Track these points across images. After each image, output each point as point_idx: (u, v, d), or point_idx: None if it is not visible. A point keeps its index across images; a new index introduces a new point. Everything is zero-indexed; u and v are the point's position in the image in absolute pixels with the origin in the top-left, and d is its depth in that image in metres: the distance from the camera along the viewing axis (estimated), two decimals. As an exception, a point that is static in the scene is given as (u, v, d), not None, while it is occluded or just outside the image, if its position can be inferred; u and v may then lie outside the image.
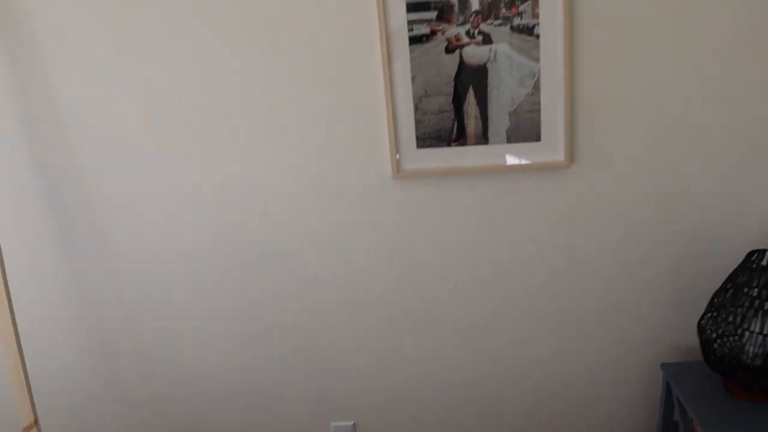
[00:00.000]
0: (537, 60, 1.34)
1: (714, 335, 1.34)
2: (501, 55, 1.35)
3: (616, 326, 1.55)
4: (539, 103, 1.37)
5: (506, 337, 1.58)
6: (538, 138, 1.39)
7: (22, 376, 1.43)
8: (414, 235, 1.50)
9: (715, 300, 1.35)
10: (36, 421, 1.46)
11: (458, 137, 1.41)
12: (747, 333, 1.33)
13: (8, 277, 1.63)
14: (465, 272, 1.52)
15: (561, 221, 1.46)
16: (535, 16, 1.31)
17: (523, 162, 1.41)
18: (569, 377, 1.61)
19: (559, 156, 1.40)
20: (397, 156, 1.43)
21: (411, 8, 1.32)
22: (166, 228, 1.54)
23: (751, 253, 1.32)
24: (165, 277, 1.60)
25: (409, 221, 1.48)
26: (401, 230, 1.49)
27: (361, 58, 1.37)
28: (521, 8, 1.31)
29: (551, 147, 1.40)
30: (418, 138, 1.41)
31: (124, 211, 1.54)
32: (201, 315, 1.63)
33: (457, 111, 1.39)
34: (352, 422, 1.70)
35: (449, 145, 1.41)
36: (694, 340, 1.56)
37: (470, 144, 1.41)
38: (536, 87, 1.36)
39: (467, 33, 1.34)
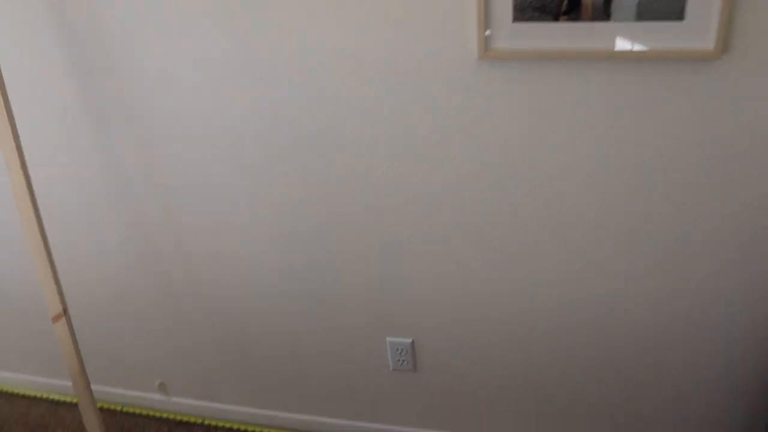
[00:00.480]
0: None
1: None
2: None
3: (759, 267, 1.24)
4: (689, -34, 1.00)
5: (600, 266, 1.30)
6: (679, 15, 1.03)
7: (47, 263, 1.30)
8: (499, 133, 1.20)
9: None
10: (65, 311, 1.35)
11: (570, 9, 1.06)
12: None
13: (30, 154, 1.46)
14: (559, 185, 1.22)
15: (700, 131, 1.11)
16: None
17: (657, 48, 1.06)
18: (677, 321, 1.33)
19: (708, 42, 1.04)
20: (487, 31, 1.11)
21: None
22: (204, 102, 1.31)
23: None
24: (202, 160, 1.39)
25: (495, 115, 1.18)
26: (484, 125, 1.20)
27: None
28: None
29: (698, 29, 1.03)
30: (515, 8, 1.08)
31: (156, 81, 1.31)
32: (244, 207, 1.43)
33: (572, -28, 1.04)
34: (410, 340, 1.51)
35: (557, 19, 1.08)
36: None
37: (585, 20, 1.07)
38: (690, -59, 0.98)
39: None
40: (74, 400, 2.05)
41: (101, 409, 2.01)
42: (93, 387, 2.00)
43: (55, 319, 1.34)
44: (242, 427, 1.86)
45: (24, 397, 2.12)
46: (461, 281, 1.40)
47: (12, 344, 2.01)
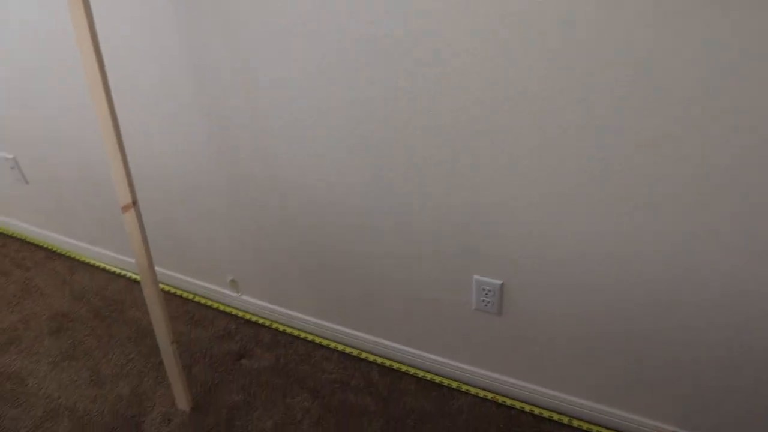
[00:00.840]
0: None
1: None
2: None
3: None
4: None
5: (732, 238, 1.06)
6: None
7: (118, 153, 1.20)
8: (646, 50, 0.95)
9: None
10: (134, 202, 1.26)
11: None
12: None
13: (106, 36, 1.33)
14: (707, 131, 0.97)
15: None
16: None
17: None
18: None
19: None
20: None
21: None
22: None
23: None
24: (293, 54, 1.22)
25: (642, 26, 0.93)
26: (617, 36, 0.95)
27: None
28: None
29: None
30: None
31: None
32: (334, 110, 1.26)
33: None
34: (500, 282, 1.35)
35: None
36: None
37: None
38: None
39: None
40: (149, 282, 2.05)
41: (173, 294, 2.00)
42: (167, 272, 1.99)
43: (125, 209, 1.26)
44: (309, 337, 1.80)
45: (105, 271, 2.14)
46: (568, 225, 1.19)
47: (99, 220, 2.01)
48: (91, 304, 2.02)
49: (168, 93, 1.44)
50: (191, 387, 1.69)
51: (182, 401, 1.61)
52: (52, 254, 2.25)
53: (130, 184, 1.23)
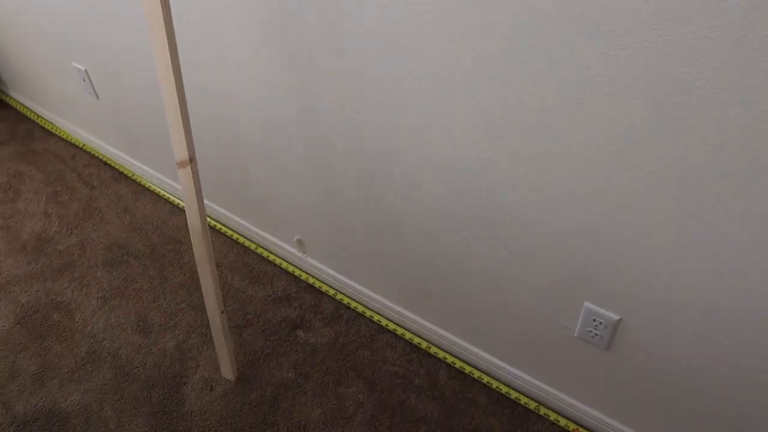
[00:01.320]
0: None
1: None
2: None
3: None
4: None
5: None
6: None
7: (177, 107, 0.99)
8: None
9: None
10: (191, 159, 1.06)
11: None
12: None
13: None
14: None
15: None
16: None
17: None
18: None
19: None
20: None
21: None
22: None
23: None
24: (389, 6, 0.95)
25: None
26: None
27: None
28: None
29: None
30: None
31: None
32: (441, 79, 1.00)
33: None
34: (617, 317, 1.08)
35: None
36: None
37: None
38: None
39: None
40: (215, 225, 1.90)
41: (234, 241, 1.84)
42: (231, 216, 1.83)
43: (180, 165, 1.07)
44: (375, 317, 1.60)
45: (168, 202, 2.01)
46: (717, 265, 0.91)
47: (164, 148, 1.84)
48: (149, 238, 1.88)
49: (246, 27, 1.20)
50: (239, 352, 1.54)
51: (227, 371, 1.47)
52: (118, 175, 2.13)
53: (188, 139, 1.03)
